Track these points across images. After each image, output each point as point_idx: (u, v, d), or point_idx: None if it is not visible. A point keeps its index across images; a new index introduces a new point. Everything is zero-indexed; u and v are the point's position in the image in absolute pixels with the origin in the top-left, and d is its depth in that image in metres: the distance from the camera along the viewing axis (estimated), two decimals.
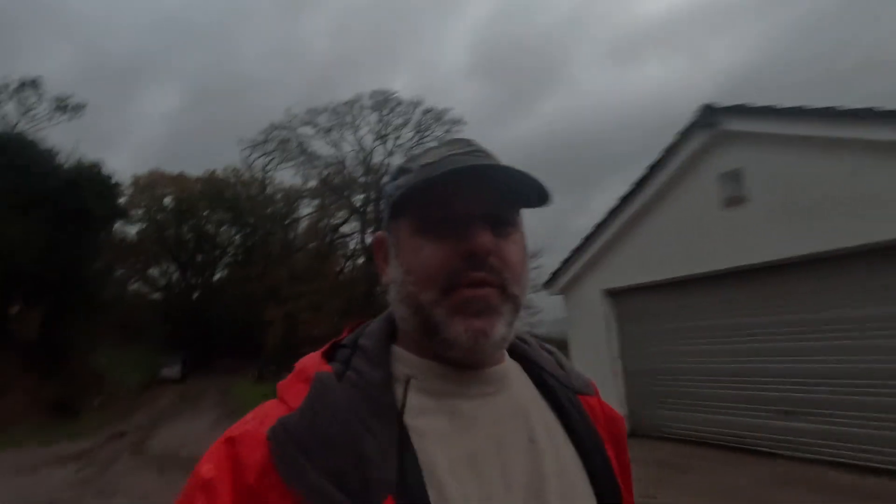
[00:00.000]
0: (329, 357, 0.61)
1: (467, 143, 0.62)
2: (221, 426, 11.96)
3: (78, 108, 18.09)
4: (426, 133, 31.31)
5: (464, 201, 0.56)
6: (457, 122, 30.90)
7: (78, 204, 15.89)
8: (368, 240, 32.23)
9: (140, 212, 38.55)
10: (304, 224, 39.55)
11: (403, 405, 0.55)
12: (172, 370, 28.13)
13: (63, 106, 17.59)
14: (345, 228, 36.31)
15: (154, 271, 42.42)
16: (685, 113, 6.98)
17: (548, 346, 0.75)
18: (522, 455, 0.56)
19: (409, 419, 0.54)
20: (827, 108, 5.54)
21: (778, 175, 5.94)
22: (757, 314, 6.18)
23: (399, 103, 32.23)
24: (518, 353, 0.68)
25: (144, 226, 39.52)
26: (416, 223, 0.58)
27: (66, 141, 31.08)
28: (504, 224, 0.58)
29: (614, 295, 8.12)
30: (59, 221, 15.67)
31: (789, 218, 5.75)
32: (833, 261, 5.48)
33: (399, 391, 0.56)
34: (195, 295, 42.90)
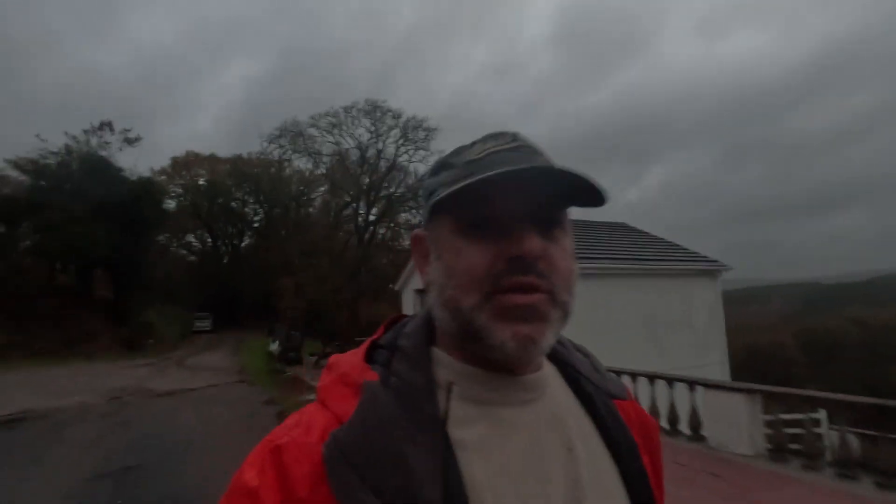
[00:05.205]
0: (369, 358, 0.57)
1: (513, 136, 0.57)
2: (229, 358, 20.14)
3: (137, 140, 25.73)
4: (409, 136, 37.76)
5: (509, 201, 0.51)
6: (433, 129, 37.09)
7: (138, 212, 23.40)
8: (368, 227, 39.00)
9: (178, 189, 45.05)
10: (316, 203, 45.93)
11: (447, 415, 0.51)
12: (204, 324, 36.69)
13: (128, 139, 25.22)
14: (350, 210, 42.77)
15: (191, 237, 49.04)
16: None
17: (582, 347, 0.71)
18: (560, 464, 0.53)
19: (452, 429, 0.51)
20: None
21: None
22: None
23: (388, 111, 38.73)
24: (554, 355, 0.64)
25: (182, 200, 45.67)
26: (458, 223, 0.53)
27: (129, 159, 38.32)
28: (551, 226, 0.54)
29: (420, 293, 14.88)
30: (126, 223, 23.05)
31: None
32: None
33: (441, 398, 0.52)
34: (225, 260, 49.57)
